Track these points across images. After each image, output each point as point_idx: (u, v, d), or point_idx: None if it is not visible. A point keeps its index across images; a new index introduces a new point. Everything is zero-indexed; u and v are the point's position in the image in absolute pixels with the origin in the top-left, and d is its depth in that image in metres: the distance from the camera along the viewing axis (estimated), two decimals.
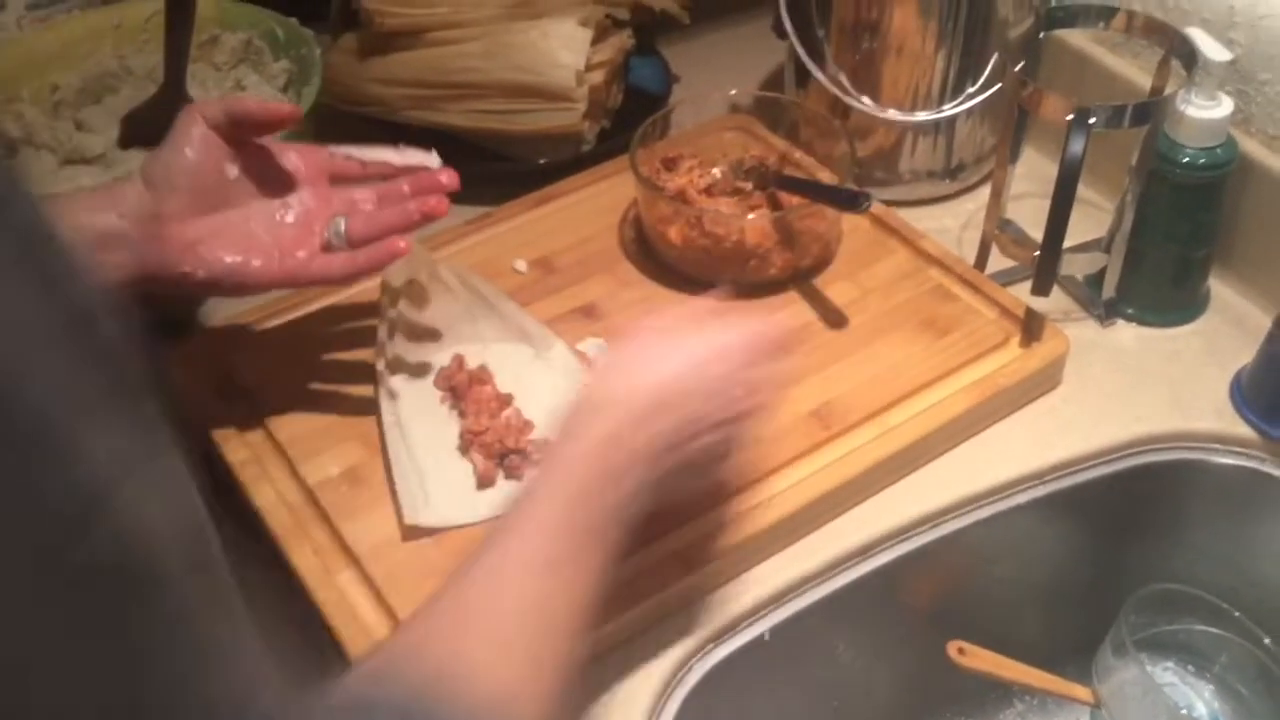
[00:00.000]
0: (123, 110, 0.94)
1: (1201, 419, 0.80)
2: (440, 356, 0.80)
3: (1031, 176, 0.98)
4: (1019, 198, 0.94)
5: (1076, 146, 0.74)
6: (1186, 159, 0.79)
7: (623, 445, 0.57)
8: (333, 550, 0.70)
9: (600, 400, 0.59)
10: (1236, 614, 0.79)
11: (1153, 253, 0.83)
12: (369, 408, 0.78)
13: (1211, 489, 0.80)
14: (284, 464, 0.75)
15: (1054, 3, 0.90)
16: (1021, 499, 0.77)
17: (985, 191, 0.99)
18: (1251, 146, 0.83)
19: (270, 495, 0.73)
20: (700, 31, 1.14)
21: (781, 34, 0.99)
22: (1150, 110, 0.77)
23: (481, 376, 0.78)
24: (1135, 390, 0.82)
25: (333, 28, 1.04)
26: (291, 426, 0.77)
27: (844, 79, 0.94)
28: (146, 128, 0.91)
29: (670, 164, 0.91)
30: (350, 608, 0.68)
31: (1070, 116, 0.75)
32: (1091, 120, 0.74)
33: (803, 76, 0.97)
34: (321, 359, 0.82)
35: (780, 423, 0.76)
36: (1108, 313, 0.86)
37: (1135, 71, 0.91)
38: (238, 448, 0.76)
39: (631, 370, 0.61)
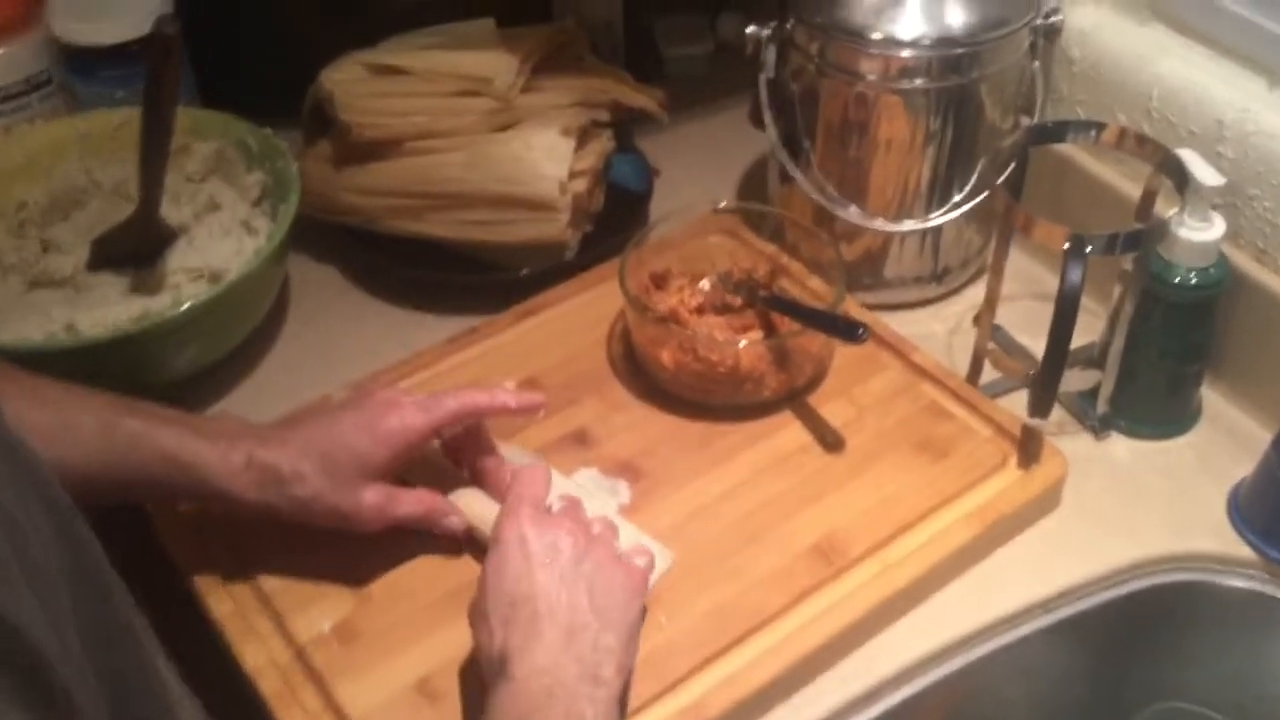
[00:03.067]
0: (91, 225, 0.92)
1: (1201, 539, 0.79)
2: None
3: (1017, 277, 0.97)
4: (1005, 299, 0.93)
5: (1075, 276, 0.73)
6: (1178, 279, 0.79)
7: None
8: (325, 715, 0.68)
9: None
10: None
11: (1146, 368, 0.83)
12: (357, 553, 0.75)
13: (1215, 610, 0.79)
14: (271, 618, 0.72)
15: (1037, 119, 0.90)
16: (1026, 629, 0.76)
17: (971, 293, 0.99)
18: (1241, 260, 0.83)
19: (260, 656, 0.70)
20: (676, 121, 1.12)
21: (758, 123, 0.98)
22: (1143, 237, 0.76)
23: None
24: (1133, 508, 0.81)
25: (305, 132, 1.02)
26: (277, 575, 0.74)
27: (830, 187, 0.93)
28: (118, 251, 0.89)
29: (659, 281, 0.90)
30: None
31: (1066, 246, 0.74)
32: (1088, 249, 0.74)
33: (786, 175, 0.96)
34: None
35: (782, 558, 0.75)
36: (1102, 426, 0.85)
37: (1119, 178, 0.91)
38: (222, 599, 0.74)
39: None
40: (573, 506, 0.69)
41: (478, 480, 0.76)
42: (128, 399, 0.70)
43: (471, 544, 0.75)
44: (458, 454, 0.77)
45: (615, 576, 0.64)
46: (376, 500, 0.71)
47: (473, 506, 0.75)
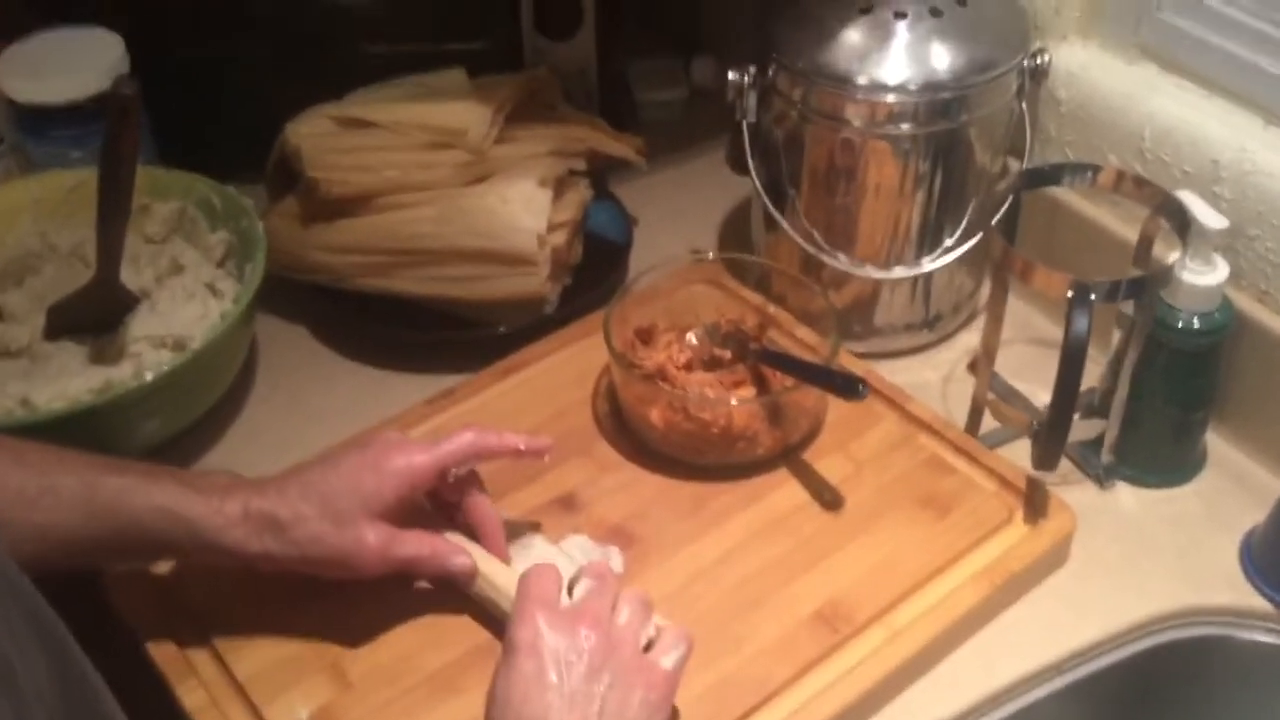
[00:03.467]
0: (47, 291, 0.88)
1: (1215, 592, 0.77)
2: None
3: (1010, 322, 0.93)
4: (1000, 345, 0.91)
5: (1080, 326, 0.70)
6: (1182, 324, 0.77)
7: None
8: None
9: None
10: None
11: (1149, 416, 0.81)
12: (334, 631, 0.71)
13: (1232, 665, 0.76)
14: (245, 708, 0.68)
15: (1026, 162, 0.88)
16: (1040, 693, 0.73)
17: (964, 339, 0.96)
18: (1243, 302, 0.81)
19: None
20: (652, 168, 1.09)
21: (737, 168, 0.95)
22: (1146, 283, 0.74)
23: None
24: (1143, 561, 0.78)
25: (270, 189, 0.99)
26: (250, 658, 0.70)
27: (817, 234, 0.90)
28: (76, 319, 0.84)
29: (645, 336, 0.86)
30: None
31: (1070, 294, 0.72)
32: (1092, 297, 0.71)
33: (772, 222, 0.93)
34: (277, 573, 0.75)
35: (784, 626, 0.71)
36: (1106, 476, 0.83)
37: (1114, 221, 0.89)
38: (193, 689, 0.69)
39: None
40: (598, 590, 0.64)
41: (469, 528, 0.73)
42: (111, 458, 0.67)
43: (463, 601, 0.72)
44: (447, 501, 0.73)
45: (634, 694, 0.59)
46: (379, 540, 0.67)
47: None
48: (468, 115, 0.93)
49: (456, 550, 0.70)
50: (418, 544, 0.69)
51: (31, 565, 0.62)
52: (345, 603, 0.72)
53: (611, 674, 0.59)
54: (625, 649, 0.61)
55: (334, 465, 0.68)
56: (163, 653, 0.71)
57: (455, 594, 0.72)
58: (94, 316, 0.84)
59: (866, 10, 0.83)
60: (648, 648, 0.63)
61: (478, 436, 0.70)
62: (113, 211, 0.77)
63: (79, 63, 0.94)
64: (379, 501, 0.67)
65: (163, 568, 0.75)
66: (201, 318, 0.85)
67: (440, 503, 0.74)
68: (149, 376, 0.77)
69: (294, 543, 0.66)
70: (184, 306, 0.85)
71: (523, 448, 0.72)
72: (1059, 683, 0.73)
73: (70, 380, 0.80)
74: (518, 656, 0.60)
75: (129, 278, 0.87)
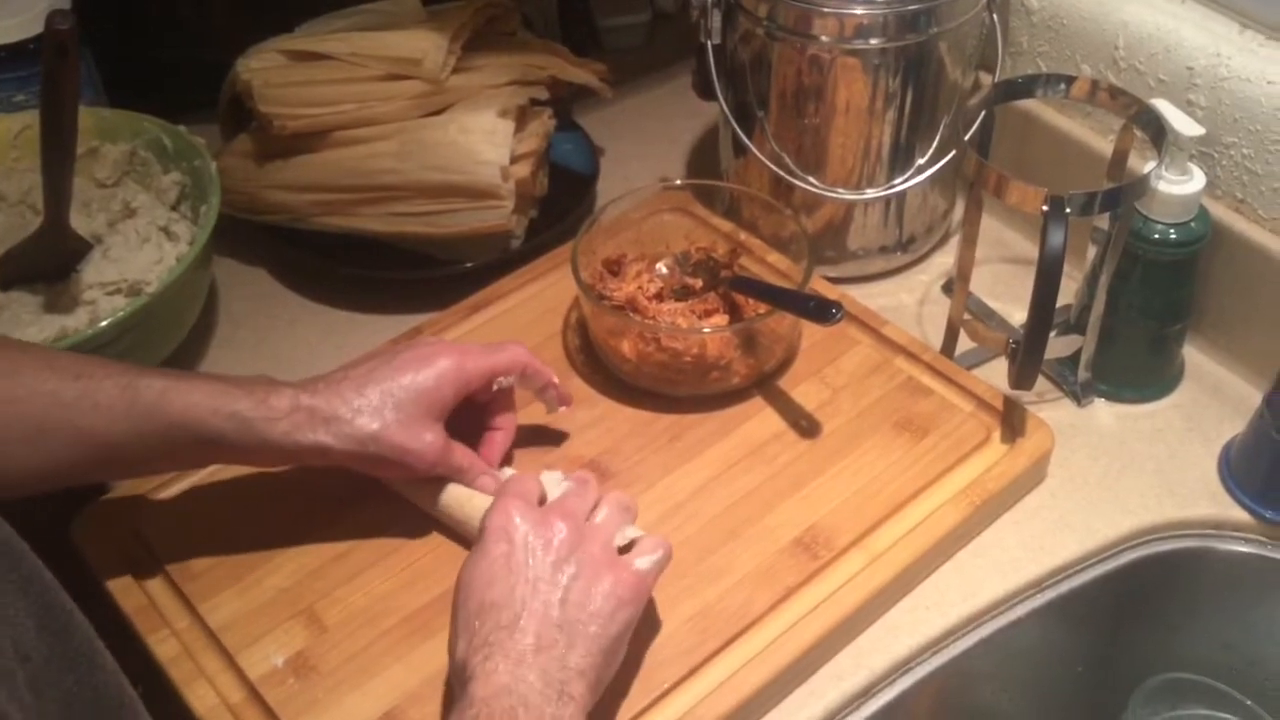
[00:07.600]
0: None
1: (1195, 505, 0.76)
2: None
3: (984, 241, 0.93)
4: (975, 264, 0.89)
5: (1056, 240, 0.69)
6: (1158, 235, 0.76)
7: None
8: None
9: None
10: (1248, 702, 0.76)
11: (1126, 330, 0.80)
12: (309, 576, 0.70)
13: (1212, 576, 0.76)
14: (219, 656, 0.67)
15: (998, 75, 0.86)
16: (1021, 611, 0.73)
17: (938, 260, 0.95)
18: (1219, 211, 0.80)
19: (209, 698, 0.65)
20: (616, 95, 1.07)
21: (703, 93, 0.93)
22: (1121, 194, 0.73)
23: None
24: (1123, 477, 0.78)
25: (222, 127, 0.96)
26: (223, 607, 0.69)
27: (787, 157, 0.88)
28: (28, 267, 0.82)
29: (614, 267, 0.84)
30: None
31: (1045, 208, 0.70)
32: (1068, 210, 0.70)
33: (740, 147, 0.91)
34: (247, 522, 0.73)
35: (765, 554, 0.71)
36: (1084, 392, 0.82)
37: (1087, 133, 0.87)
38: (164, 639, 0.68)
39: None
40: (577, 491, 0.65)
41: (488, 440, 0.74)
42: (140, 364, 0.66)
43: (437, 543, 0.72)
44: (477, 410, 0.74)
45: (599, 584, 0.59)
46: (439, 441, 0.68)
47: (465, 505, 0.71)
48: (423, 43, 0.90)
49: (486, 470, 0.71)
50: (463, 454, 0.70)
51: (67, 473, 0.62)
52: (319, 549, 0.72)
53: (577, 564, 0.60)
54: (595, 544, 0.61)
55: (388, 364, 0.68)
56: (132, 604, 0.70)
57: (430, 536, 0.72)
58: (46, 264, 0.81)
59: None
60: (626, 551, 0.63)
61: (526, 352, 0.73)
62: (57, 153, 0.74)
63: (19, 2, 0.90)
64: (439, 402, 0.68)
65: (129, 517, 0.74)
66: (157, 262, 0.82)
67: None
68: (104, 323, 0.75)
69: (351, 436, 0.66)
70: (138, 251, 0.83)
71: (556, 381, 0.75)
72: (1040, 600, 0.73)
73: (24, 330, 0.77)
74: (487, 541, 0.60)
75: (81, 223, 0.84)
